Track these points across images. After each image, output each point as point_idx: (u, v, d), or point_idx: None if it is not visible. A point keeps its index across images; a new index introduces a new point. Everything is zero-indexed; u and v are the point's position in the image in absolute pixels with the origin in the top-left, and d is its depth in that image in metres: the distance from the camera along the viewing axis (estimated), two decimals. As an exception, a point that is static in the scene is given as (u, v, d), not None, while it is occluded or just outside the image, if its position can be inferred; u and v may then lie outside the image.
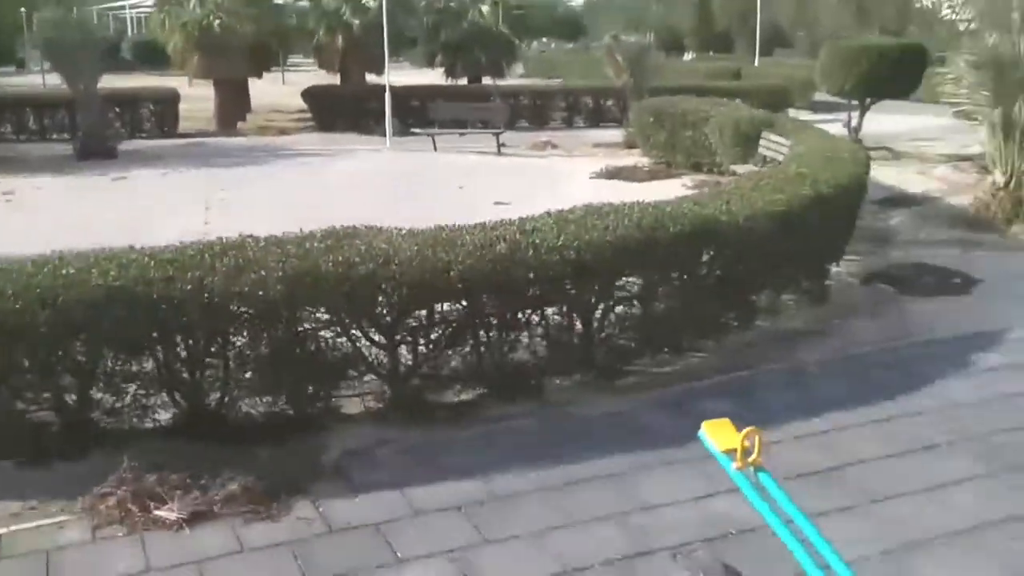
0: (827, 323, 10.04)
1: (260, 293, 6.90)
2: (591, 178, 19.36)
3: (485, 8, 32.76)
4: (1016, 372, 8.56)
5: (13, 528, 6.22)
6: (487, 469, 6.81)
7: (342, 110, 29.69)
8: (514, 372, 8.22)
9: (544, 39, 62.73)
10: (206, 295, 6.81)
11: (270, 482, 6.57)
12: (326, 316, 7.51)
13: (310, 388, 7.62)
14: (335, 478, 6.81)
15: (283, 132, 28.71)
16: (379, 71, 33.25)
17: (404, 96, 28.53)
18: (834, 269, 11.40)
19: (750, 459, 4.74)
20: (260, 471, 6.66)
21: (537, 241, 7.84)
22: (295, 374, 7.46)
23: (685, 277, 8.95)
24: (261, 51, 31.10)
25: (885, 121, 25.32)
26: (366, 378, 7.88)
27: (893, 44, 21.81)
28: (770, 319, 10.01)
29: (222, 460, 6.71)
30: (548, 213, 8.63)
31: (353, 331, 7.64)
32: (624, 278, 8.58)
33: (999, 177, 14.53)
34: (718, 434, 4.95)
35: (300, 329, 7.44)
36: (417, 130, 26.21)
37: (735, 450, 4.72)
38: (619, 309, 8.79)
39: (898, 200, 16.53)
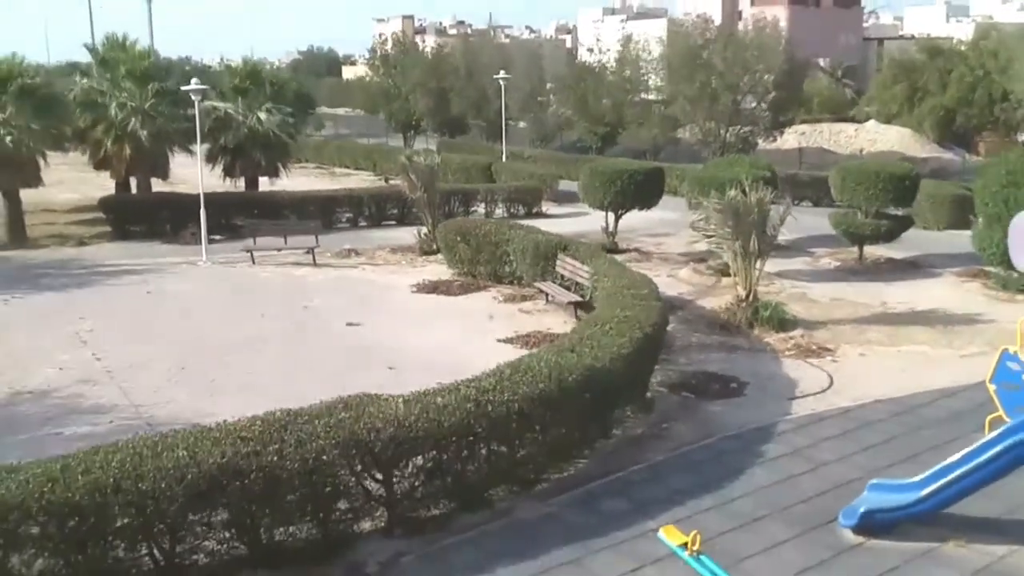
0: (659, 428, 14.07)
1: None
2: (413, 292, 22.77)
3: (262, 115, 35.28)
4: (792, 458, 12.88)
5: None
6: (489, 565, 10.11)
7: (140, 219, 31.26)
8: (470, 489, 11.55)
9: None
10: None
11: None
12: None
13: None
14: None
15: (82, 243, 29.84)
16: (163, 176, 35.15)
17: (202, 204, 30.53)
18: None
19: (695, 548, 8.53)
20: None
21: (494, 399, 11.25)
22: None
23: (577, 406, 12.59)
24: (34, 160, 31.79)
25: (628, 216, 30.20)
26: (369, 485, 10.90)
27: (639, 168, 26.89)
28: (621, 428, 13.91)
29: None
30: (488, 375, 11.93)
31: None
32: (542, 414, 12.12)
33: (741, 292, 19.41)
34: (670, 534, 8.73)
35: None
36: (216, 236, 28.66)
37: (685, 544, 8.47)
38: (529, 435, 12.32)
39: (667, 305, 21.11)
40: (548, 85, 54.34)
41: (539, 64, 56.40)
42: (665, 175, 27.99)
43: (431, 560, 10.35)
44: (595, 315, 15.32)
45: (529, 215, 34.50)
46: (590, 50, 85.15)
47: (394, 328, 19.64)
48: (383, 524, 11.07)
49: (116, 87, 32.65)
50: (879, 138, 54.66)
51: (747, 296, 19.30)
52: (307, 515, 10.45)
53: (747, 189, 18.67)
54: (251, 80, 36.46)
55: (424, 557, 10.42)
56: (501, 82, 41.68)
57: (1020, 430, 10.17)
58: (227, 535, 10.11)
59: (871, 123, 61.90)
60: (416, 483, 11.22)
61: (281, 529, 10.36)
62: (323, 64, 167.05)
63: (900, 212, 25.45)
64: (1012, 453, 10.11)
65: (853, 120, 67.94)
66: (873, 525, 10.60)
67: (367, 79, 69.23)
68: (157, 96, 32.56)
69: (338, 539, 10.65)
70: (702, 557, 8.70)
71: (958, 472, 10.32)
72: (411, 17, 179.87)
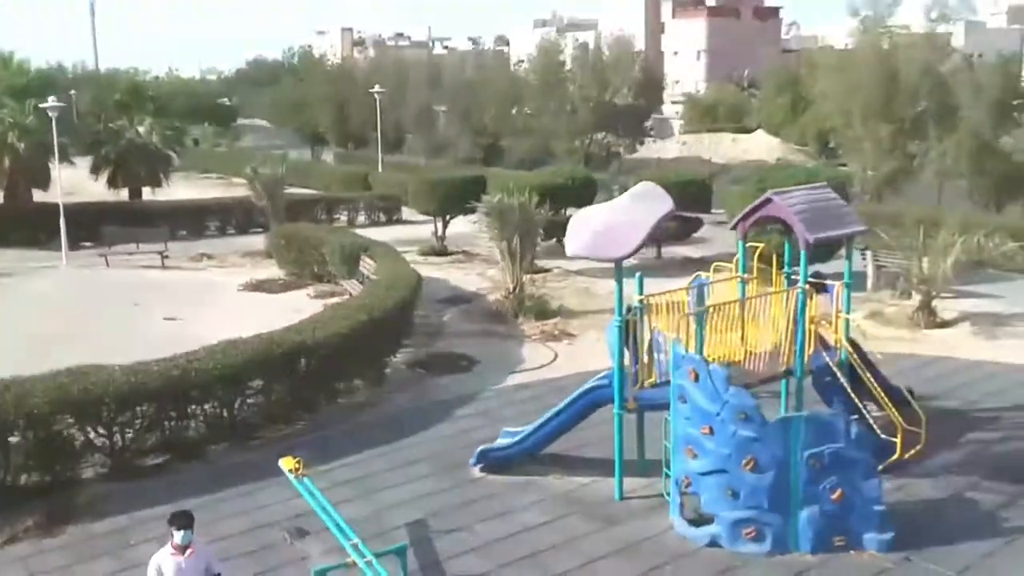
0: (380, 397, 16.67)
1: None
2: (239, 290, 25.26)
3: (142, 129, 37.59)
4: (476, 417, 15.54)
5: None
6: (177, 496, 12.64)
7: (16, 227, 33.40)
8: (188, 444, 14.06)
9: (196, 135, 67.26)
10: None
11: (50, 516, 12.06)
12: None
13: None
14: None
15: (-43, 250, 31.98)
16: (43, 187, 37.19)
17: (74, 213, 32.70)
18: (393, 360, 18.13)
19: (300, 472, 11.02)
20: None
21: (198, 367, 13.78)
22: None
23: (290, 375, 15.14)
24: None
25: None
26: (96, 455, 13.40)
27: (461, 177, 29.58)
28: (347, 397, 16.48)
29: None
30: (204, 348, 14.47)
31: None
32: (252, 382, 14.65)
33: (509, 284, 22.11)
34: (286, 463, 11.24)
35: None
36: (87, 243, 30.88)
37: (294, 469, 10.99)
38: (250, 400, 14.85)
39: (456, 299, 23.83)
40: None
41: (437, 77, 59.06)
42: (487, 183, 30.57)
43: (132, 494, 12.82)
44: (343, 303, 17.91)
45: (389, 222, 37.07)
46: (520, 61, 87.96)
47: (208, 321, 21.98)
48: (106, 471, 13.55)
49: (-4, 102, 34.85)
50: (752, 148, 57.95)
51: (514, 289, 21.99)
52: (33, 461, 12.89)
53: (509, 195, 21.38)
54: (132, 96, 38.76)
55: (127, 492, 12.91)
56: (376, 96, 44.29)
57: (594, 381, 12.89)
58: (-40, 475, 12.57)
59: (758, 133, 65.21)
60: (134, 437, 13.70)
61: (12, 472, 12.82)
62: (268, 74, 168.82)
63: (692, 216, 28.29)
64: (585, 398, 12.83)
65: (746, 130, 71.28)
66: (488, 462, 13.27)
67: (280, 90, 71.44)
68: (36, 111, 34.73)
69: (63, 482, 13.10)
70: (305, 480, 11.25)
71: (546, 417, 13.01)
72: (350, 29, 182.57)
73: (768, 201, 13.50)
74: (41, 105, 30.69)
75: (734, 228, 14.29)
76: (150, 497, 12.69)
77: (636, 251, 11.78)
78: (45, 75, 40.41)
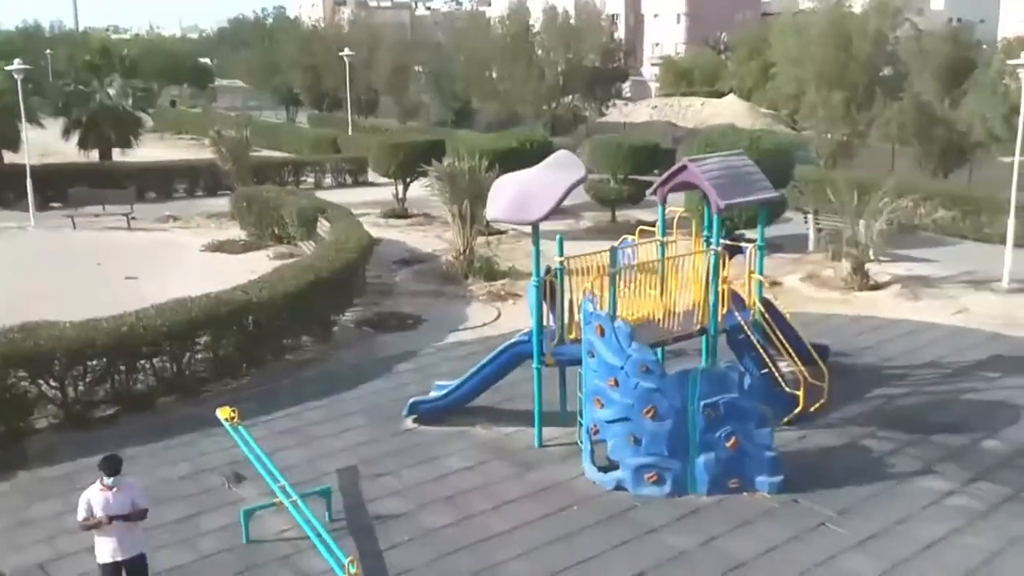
0: (326, 354, 17.48)
1: None
2: (201, 251, 25.94)
3: (112, 91, 37.96)
4: (414, 372, 16.37)
5: None
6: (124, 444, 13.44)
7: (-17, 189, 33.96)
8: (138, 396, 14.86)
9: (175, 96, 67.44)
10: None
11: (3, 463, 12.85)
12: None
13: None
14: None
15: (-74, 210, 32.55)
16: (13, 148, 37.64)
17: (43, 174, 33.22)
18: (342, 318, 18.92)
19: (235, 421, 11.81)
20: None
21: (146, 324, 14.54)
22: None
23: (236, 332, 15.91)
24: None
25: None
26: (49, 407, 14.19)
27: (421, 140, 30.29)
28: (294, 353, 17.27)
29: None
30: (153, 306, 15.22)
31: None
32: (199, 338, 15.41)
33: (460, 246, 22.87)
34: (222, 412, 12.02)
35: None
36: (56, 204, 31.38)
37: (230, 418, 11.79)
38: (199, 355, 15.63)
39: (411, 260, 24.62)
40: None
41: (410, 39, 59.35)
42: (447, 146, 31.19)
43: (81, 442, 13.60)
44: (293, 262, 18.67)
45: (355, 184, 37.71)
46: (500, 21, 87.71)
47: (166, 280, 22.67)
48: (58, 422, 14.34)
49: (-37, 65, 35.17)
50: (722, 112, 58.56)
51: (464, 251, 22.75)
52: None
53: (460, 159, 22.08)
54: (101, 56, 39.09)
55: (77, 440, 13.70)
56: (346, 59, 44.73)
57: (517, 337, 13.72)
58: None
59: (729, 97, 65.70)
60: (84, 390, 14.46)
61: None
62: (249, 33, 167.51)
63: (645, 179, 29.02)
64: (507, 353, 13.66)
65: (719, 94, 71.69)
66: (419, 413, 14.12)
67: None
68: (3, 73, 35.09)
69: (16, 431, 13.88)
70: (239, 428, 12.08)
71: (472, 371, 13.86)
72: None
73: (683, 168, 14.27)
74: (7, 68, 31.08)
75: (654, 193, 15.06)
76: (99, 446, 13.34)
77: (549, 215, 12.54)
78: (16, 38, 40.56)
